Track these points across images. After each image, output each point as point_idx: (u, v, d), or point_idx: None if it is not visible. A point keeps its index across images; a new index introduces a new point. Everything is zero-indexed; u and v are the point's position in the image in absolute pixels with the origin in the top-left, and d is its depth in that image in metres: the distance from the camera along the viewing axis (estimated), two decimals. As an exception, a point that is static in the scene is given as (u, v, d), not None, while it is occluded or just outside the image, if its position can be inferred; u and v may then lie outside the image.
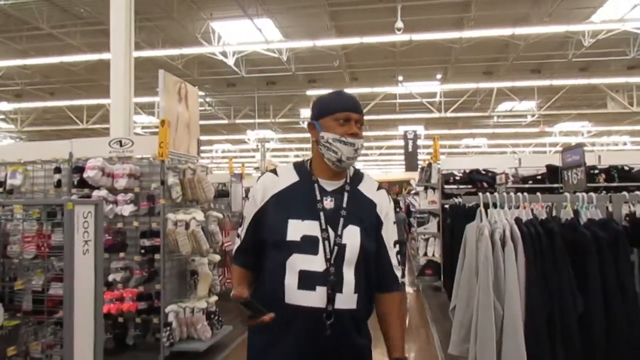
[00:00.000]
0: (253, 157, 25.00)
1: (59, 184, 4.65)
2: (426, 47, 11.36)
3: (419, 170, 10.00)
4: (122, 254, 4.53)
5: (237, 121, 17.19)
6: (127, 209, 4.44)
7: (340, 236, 1.45)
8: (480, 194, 2.53)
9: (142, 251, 4.49)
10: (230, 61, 11.22)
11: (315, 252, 1.42)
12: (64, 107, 15.55)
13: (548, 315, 2.21)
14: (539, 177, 7.29)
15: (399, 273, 1.58)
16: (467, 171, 7.71)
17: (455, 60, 12.59)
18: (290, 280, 1.42)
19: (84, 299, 2.62)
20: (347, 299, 1.43)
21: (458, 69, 13.54)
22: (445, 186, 7.61)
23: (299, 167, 1.58)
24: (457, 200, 5.25)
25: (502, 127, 20.52)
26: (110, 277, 4.51)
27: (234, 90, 15.17)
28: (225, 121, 17.27)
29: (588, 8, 9.59)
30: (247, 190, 9.96)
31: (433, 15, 9.89)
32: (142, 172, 4.63)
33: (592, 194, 2.51)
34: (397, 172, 32.74)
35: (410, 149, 15.40)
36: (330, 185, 1.52)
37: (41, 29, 9.67)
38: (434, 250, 7.91)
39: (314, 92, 14.67)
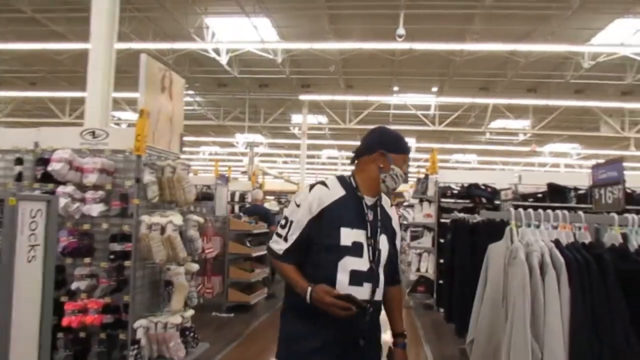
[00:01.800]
0: (240, 160, 24.46)
1: (19, 177, 4.11)
2: (425, 58, 11.08)
3: (415, 181, 9.62)
4: (87, 260, 3.99)
5: (226, 123, 16.70)
6: (95, 209, 3.91)
7: (378, 242, 1.82)
8: (511, 208, 2.14)
9: (112, 257, 3.97)
10: (223, 60, 10.79)
11: (361, 255, 1.77)
12: (46, 99, 14.89)
13: (597, 362, 1.81)
14: (539, 195, 7.01)
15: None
16: (466, 185, 7.39)
17: (453, 74, 12.35)
18: (342, 277, 1.74)
19: (27, 317, 2.12)
20: (380, 293, 1.82)
21: (455, 83, 13.31)
22: (442, 199, 7.30)
23: (343, 182, 1.88)
24: (460, 214, 4.87)
25: (494, 144, 20.40)
26: (74, 286, 3.95)
27: (224, 90, 14.71)
28: (214, 122, 16.78)
29: (591, 29, 9.41)
30: (233, 194, 9.46)
31: (435, 25, 9.62)
32: (116, 168, 4.11)
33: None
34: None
35: (402, 161, 15.10)
36: (370, 201, 1.87)
37: (23, 12, 9.12)
38: (428, 266, 7.53)
39: (307, 97, 14.30)
